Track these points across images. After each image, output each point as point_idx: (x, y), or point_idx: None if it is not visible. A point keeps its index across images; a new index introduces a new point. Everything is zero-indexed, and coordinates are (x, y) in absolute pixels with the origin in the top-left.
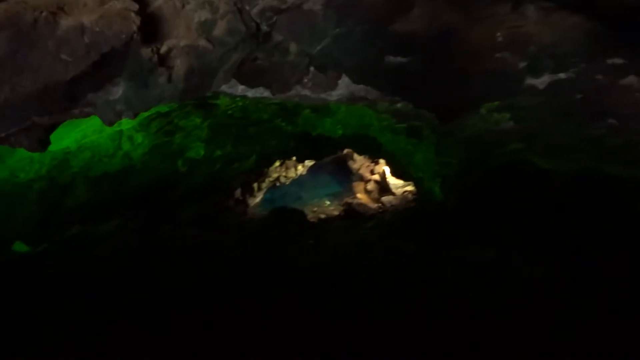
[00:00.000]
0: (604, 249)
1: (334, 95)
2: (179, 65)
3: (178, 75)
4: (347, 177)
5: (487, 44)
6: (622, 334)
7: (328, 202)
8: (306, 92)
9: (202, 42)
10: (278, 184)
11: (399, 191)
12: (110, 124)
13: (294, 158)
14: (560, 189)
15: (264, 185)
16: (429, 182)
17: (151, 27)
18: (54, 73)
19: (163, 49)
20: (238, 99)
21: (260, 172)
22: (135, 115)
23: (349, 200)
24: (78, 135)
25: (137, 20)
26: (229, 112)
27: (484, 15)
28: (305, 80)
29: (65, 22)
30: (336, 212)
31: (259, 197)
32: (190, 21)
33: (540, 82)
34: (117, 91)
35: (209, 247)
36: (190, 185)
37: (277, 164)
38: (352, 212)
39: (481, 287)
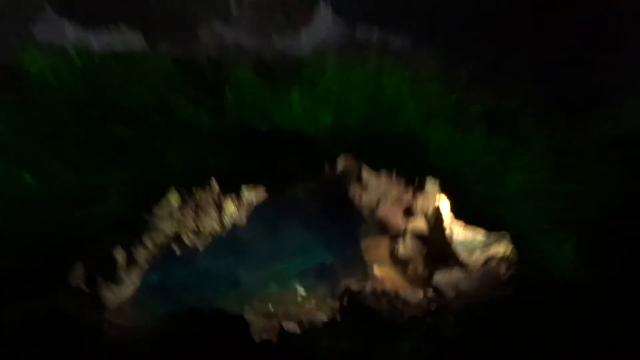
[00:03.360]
0: None
1: (307, 41)
2: None
3: None
4: (347, 225)
5: None
6: None
7: (302, 293)
8: (237, 35)
9: None
10: (178, 250)
11: (475, 258)
12: None
13: (216, 186)
14: None
15: (144, 254)
16: (545, 238)
17: None
18: None
19: None
20: (72, 49)
21: (133, 226)
22: None
23: (354, 284)
24: None
25: None
26: (52, 83)
27: None
28: (234, 10)
29: None
30: (322, 317)
31: (131, 285)
32: None
33: None
34: None
35: None
36: None
37: (175, 200)
38: (363, 315)
39: None
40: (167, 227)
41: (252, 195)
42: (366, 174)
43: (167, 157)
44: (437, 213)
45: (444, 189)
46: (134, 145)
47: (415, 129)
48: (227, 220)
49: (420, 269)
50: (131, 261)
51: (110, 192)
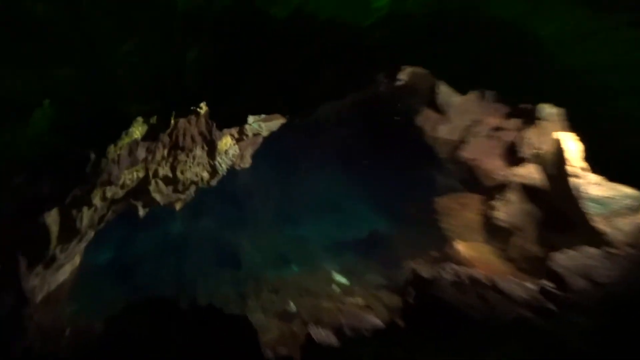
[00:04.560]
0: None
1: None
2: None
3: None
4: (412, 170)
5: None
6: None
7: (340, 279)
8: None
9: None
10: (142, 210)
11: (618, 228)
12: None
13: (203, 108)
14: None
15: (89, 217)
16: None
17: None
18: None
19: None
20: None
21: (73, 171)
22: None
23: (425, 268)
24: None
25: None
26: None
27: None
28: None
29: None
30: (374, 320)
31: (67, 265)
32: None
33: None
34: None
35: None
36: None
37: (140, 130)
38: (440, 318)
39: None
40: (127, 174)
41: (260, 123)
42: (444, 92)
43: (121, 56)
44: (557, 155)
45: (567, 117)
46: (67, 31)
47: (517, 17)
48: (221, 162)
49: (530, 244)
50: (69, 227)
51: (34, 111)
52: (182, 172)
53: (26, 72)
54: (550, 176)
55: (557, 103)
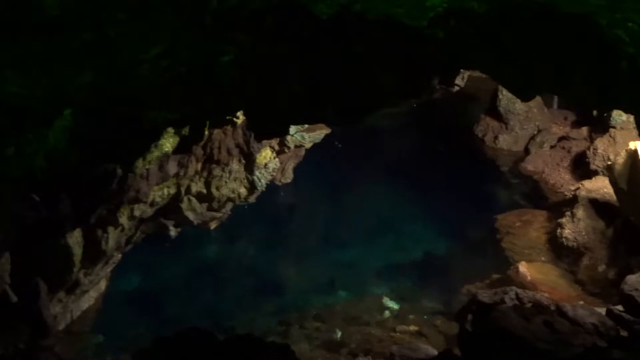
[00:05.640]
0: None
1: None
2: None
3: None
4: (470, 183)
5: None
6: None
7: (392, 305)
8: None
9: None
10: (174, 231)
11: None
12: None
13: (240, 117)
14: None
15: (115, 237)
16: None
17: None
18: None
19: None
20: None
21: (96, 187)
22: None
23: (485, 292)
24: None
25: None
26: None
27: None
28: None
29: None
30: (428, 349)
31: (92, 291)
32: None
33: None
34: None
35: None
36: None
37: (169, 142)
38: (502, 346)
39: None
40: (156, 190)
41: (303, 134)
42: (507, 98)
43: (150, 60)
44: (633, 167)
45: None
46: (88, 34)
47: (591, 13)
48: (260, 177)
49: (601, 265)
50: (93, 249)
51: (54, 122)
52: (217, 188)
53: (44, 79)
54: (623, 191)
55: (630, 110)
